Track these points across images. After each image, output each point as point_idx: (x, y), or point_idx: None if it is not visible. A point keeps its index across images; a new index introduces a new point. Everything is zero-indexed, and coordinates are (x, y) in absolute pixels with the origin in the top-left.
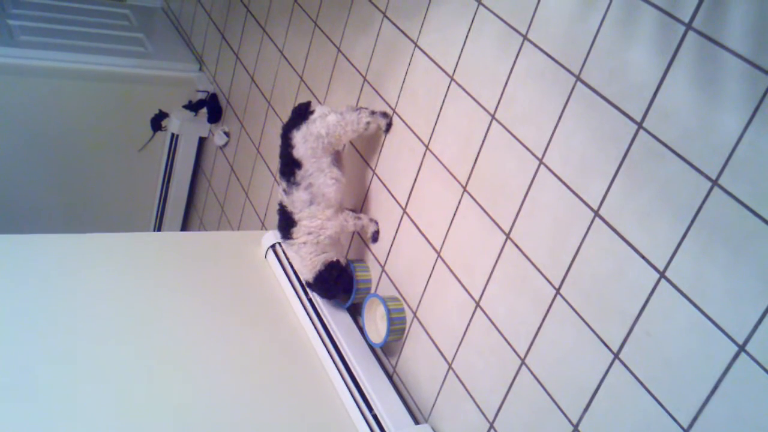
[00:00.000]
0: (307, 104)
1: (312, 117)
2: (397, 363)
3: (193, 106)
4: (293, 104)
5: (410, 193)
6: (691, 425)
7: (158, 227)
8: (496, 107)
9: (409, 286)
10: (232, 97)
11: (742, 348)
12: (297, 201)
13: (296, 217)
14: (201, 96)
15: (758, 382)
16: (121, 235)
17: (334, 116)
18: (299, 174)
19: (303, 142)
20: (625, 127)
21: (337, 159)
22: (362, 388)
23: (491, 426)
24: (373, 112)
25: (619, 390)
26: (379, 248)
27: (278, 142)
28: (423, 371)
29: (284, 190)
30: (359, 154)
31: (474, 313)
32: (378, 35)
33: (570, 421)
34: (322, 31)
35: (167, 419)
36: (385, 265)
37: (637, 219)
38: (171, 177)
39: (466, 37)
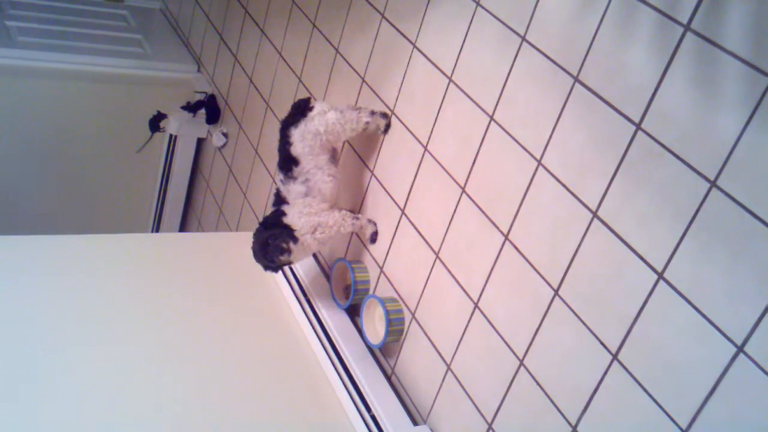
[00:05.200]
0: (307, 101)
1: (310, 114)
2: (395, 364)
3: (191, 107)
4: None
5: (409, 194)
6: (689, 426)
7: (156, 228)
8: (495, 108)
9: (408, 287)
10: (230, 98)
11: (740, 349)
12: (293, 192)
13: (290, 202)
14: (199, 97)
15: (757, 384)
16: (119, 236)
17: (333, 114)
18: (296, 170)
19: (301, 140)
20: (623, 128)
21: (334, 156)
22: (361, 389)
23: (489, 427)
24: (372, 112)
25: (617, 391)
26: (377, 249)
27: (276, 143)
28: (421, 372)
29: (281, 180)
30: (358, 155)
31: (472, 314)
32: (376, 36)
33: (568, 422)
34: (320, 32)
35: (166, 420)
36: (383, 266)
37: (635, 220)
38: (169, 178)
39: (465, 38)
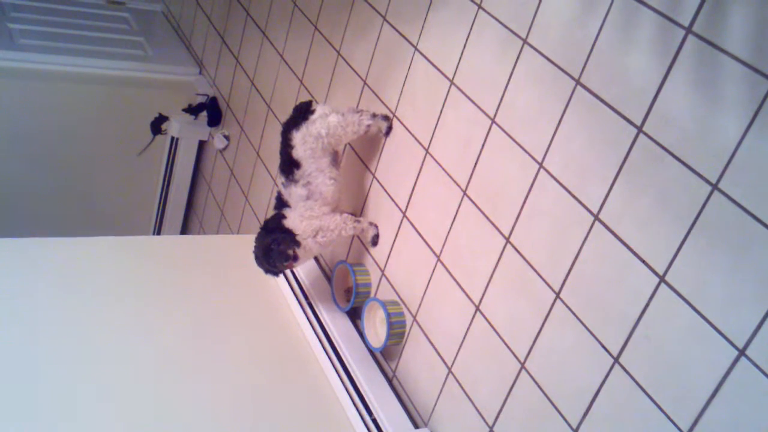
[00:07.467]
0: (308, 104)
1: (312, 117)
2: (396, 367)
3: (193, 110)
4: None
5: (410, 196)
6: (691, 429)
7: (158, 230)
8: (496, 111)
9: (409, 290)
10: (232, 101)
11: (742, 352)
12: (294, 195)
13: (292, 205)
14: (201, 99)
15: (758, 387)
16: (121, 239)
17: (335, 117)
18: (298, 173)
19: (302, 143)
20: (624, 131)
21: (336, 159)
22: (362, 392)
23: (491, 430)
24: (374, 115)
25: (618, 394)
26: (378, 252)
27: (278, 146)
28: (422, 375)
29: (283, 183)
30: (359, 158)
31: (474, 317)
32: (378, 39)
33: (570, 425)
34: (322, 34)
35: (167, 422)
36: (384, 269)
37: (636, 223)
38: (171, 180)
39: (466, 41)
